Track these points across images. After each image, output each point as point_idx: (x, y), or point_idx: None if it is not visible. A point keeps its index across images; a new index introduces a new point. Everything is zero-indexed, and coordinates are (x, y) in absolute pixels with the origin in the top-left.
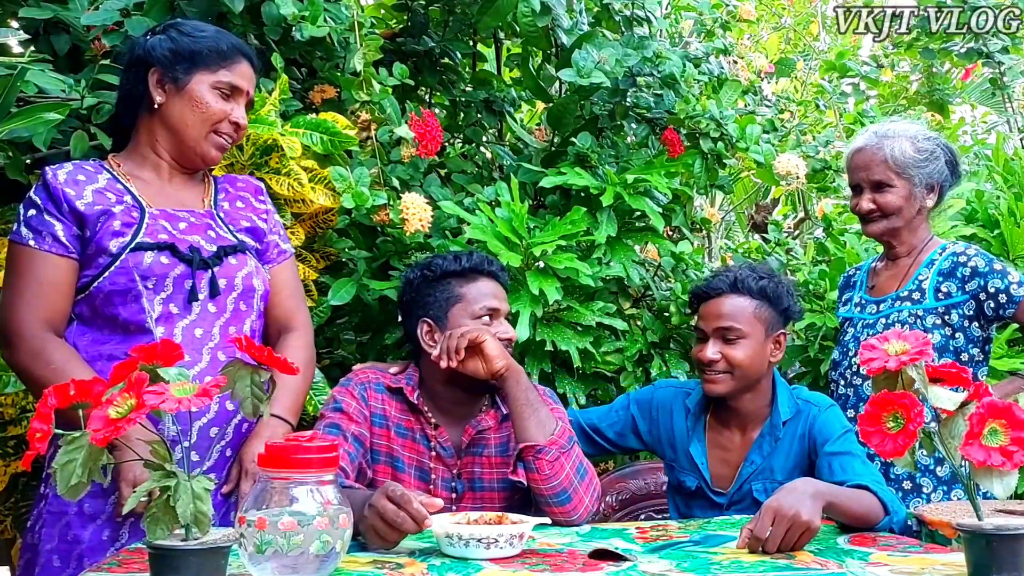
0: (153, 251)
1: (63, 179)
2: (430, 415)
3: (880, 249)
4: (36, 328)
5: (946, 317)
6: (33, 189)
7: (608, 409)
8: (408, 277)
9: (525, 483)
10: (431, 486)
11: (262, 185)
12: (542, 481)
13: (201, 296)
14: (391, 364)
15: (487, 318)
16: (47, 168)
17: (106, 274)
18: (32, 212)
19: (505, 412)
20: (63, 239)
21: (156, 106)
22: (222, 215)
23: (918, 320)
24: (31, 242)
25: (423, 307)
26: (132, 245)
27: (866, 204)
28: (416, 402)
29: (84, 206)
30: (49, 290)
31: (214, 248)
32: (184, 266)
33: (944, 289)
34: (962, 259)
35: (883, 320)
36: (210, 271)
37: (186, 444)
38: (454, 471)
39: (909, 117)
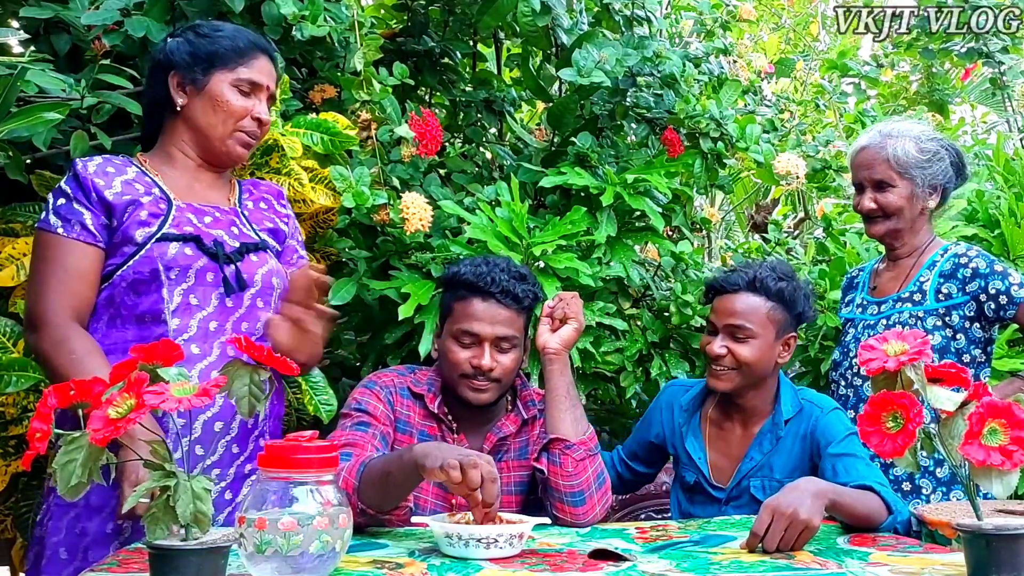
0: (178, 242)
1: (93, 169)
2: (452, 421)
3: (882, 250)
4: (61, 316)
5: (947, 319)
6: (63, 179)
7: (634, 432)
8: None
9: (545, 472)
10: (453, 496)
11: (283, 190)
12: (563, 477)
13: (221, 289)
14: (420, 371)
15: (467, 339)
16: (77, 160)
17: (130, 263)
18: (61, 201)
19: (526, 416)
20: (91, 227)
21: (179, 108)
22: (246, 214)
23: (919, 322)
24: (59, 230)
25: (440, 310)
26: (158, 235)
27: (868, 203)
28: (436, 410)
29: (113, 195)
30: (76, 278)
31: (237, 244)
32: (207, 259)
33: (945, 290)
34: (963, 260)
35: (884, 321)
36: (233, 265)
37: (190, 439)
38: None
39: (911, 117)
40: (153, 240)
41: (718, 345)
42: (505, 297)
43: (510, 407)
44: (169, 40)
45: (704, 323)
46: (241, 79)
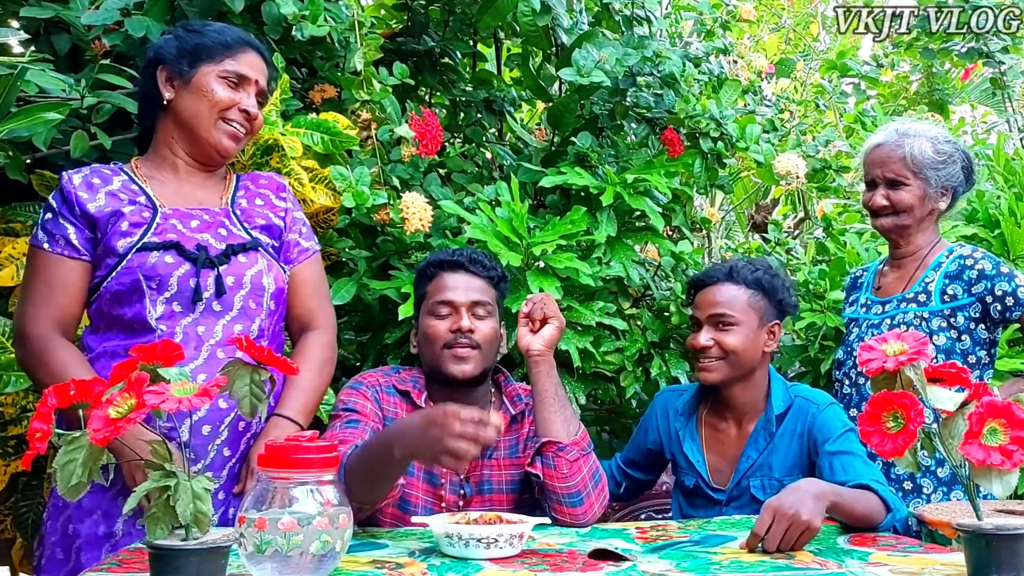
0: (158, 251)
1: (77, 183)
2: None
3: (882, 251)
4: (42, 329)
5: (951, 320)
6: (52, 193)
7: (631, 441)
8: None
9: (541, 476)
10: (440, 490)
11: (286, 183)
12: (559, 480)
13: (205, 295)
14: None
15: (444, 310)
16: (64, 172)
17: (113, 274)
18: (48, 216)
19: (514, 412)
20: (75, 242)
21: (167, 103)
22: (238, 212)
23: (923, 322)
24: (45, 245)
25: (415, 301)
26: (139, 245)
27: (879, 200)
28: (423, 405)
29: (95, 209)
30: (59, 292)
31: (223, 246)
32: (189, 265)
33: (950, 292)
34: (969, 262)
35: (888, 321)
36: (216, 270)
37: (179, 441)
38: (462, 475)
39: (912, 117)
40: (134, 250)
41: (704, 337)
42: (473, 265)
43: (495, 401)
44: (160, 38)
45: None
46: (227, 71)
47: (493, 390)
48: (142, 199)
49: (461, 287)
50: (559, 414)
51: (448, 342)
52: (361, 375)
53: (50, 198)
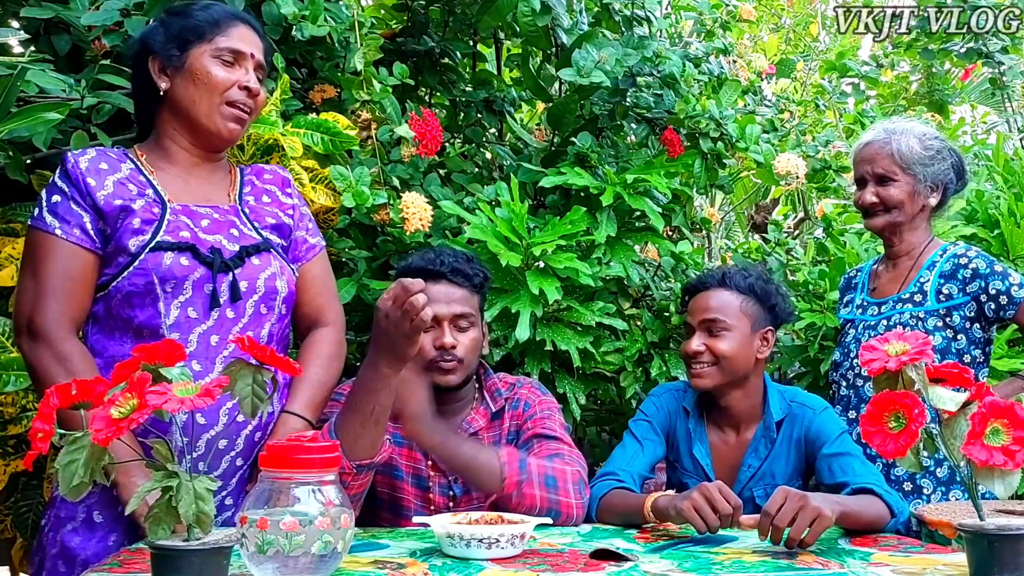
0: (173, 252)
1: (85, 167)
2: None
3: (881, 250)
4: (64, 330)
5: (947, 319)
6: (56, 174)
7: (635, 451)
8: None
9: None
10: (429, 492)
11: (290, 177)
12: (525, 512)
13: (222, 300)
14: None
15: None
16: (69, 154)
17: (125, 274)
18: (57, 198)
19: (494, 408)
20: (91, 232)
21: (163, 93)
22: (247, 211)
23: (919, 322)
24: (58, 231)
25: None
26: (152, 244)
27: (869, 197)
28: None
29: (104, 199)
30: (78, 286)
31: (236, 248)
32: (204, 269)
33: (945, 291)
34: (963, 261)
35: (884, 322)
36: (231, 274)
37: (192, 456)
38: (450, 477)
39: (911, 117)
40: (147, 250)
41: (695, 343)
42: (456, 276)
43: (478, 396)
44: (144, 28)
45: None
46: (220, 48)
47: (476, 387)
48: (150, 192)
49: (443, 299)
50: (476, 472)
51: (432, 359)
52: (341, 387)
53: (56, 179)
